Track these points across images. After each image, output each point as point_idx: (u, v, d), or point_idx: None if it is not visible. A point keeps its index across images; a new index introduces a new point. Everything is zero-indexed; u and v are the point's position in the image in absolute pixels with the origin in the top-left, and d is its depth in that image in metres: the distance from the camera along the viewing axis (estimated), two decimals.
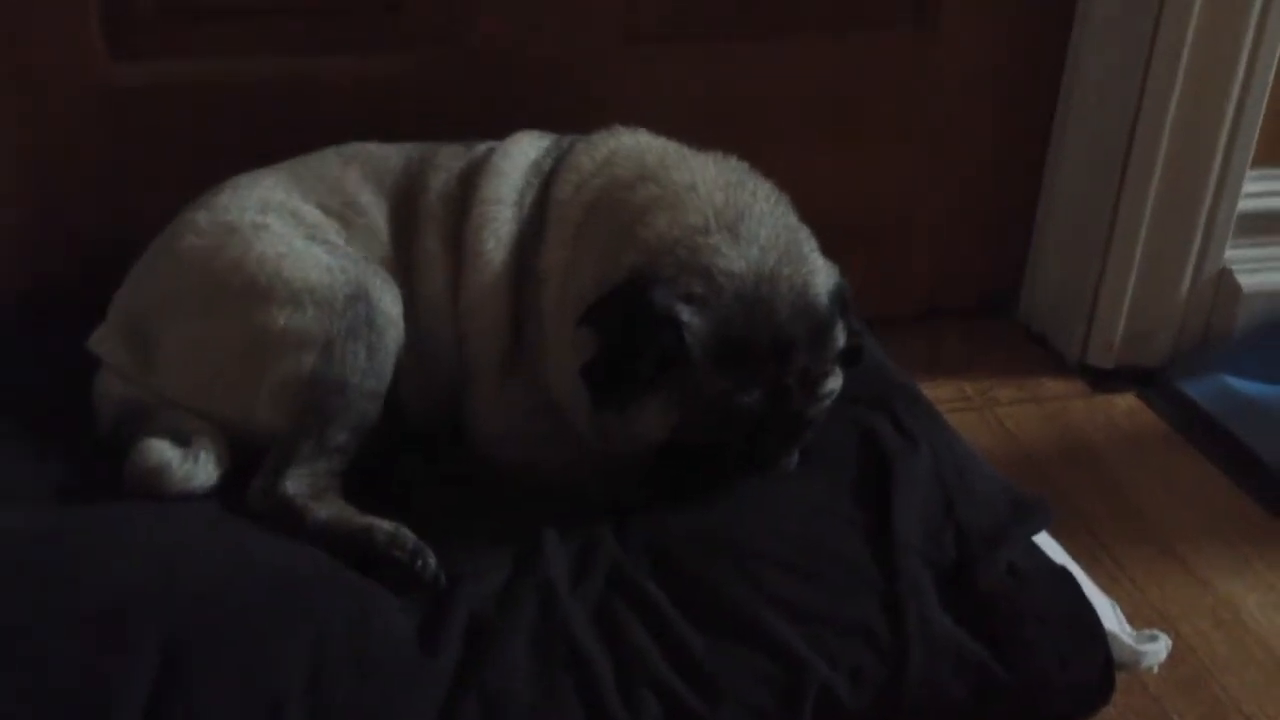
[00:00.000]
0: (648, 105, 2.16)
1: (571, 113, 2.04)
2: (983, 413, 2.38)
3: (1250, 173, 2.40)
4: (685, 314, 1.52)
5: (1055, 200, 2.55)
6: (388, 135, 1.93)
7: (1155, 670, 1.59)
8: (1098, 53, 2.39)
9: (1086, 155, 2.46)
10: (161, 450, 1.62)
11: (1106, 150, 2.40)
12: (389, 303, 1.69)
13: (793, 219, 1.68)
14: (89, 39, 1.99)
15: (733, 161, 1.75)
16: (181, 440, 1.64)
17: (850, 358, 1.68)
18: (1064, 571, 1.59)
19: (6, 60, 1.96)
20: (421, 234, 1.77)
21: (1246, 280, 2.48)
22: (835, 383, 1.65)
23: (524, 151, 1.82)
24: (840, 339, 1.63)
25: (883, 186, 2.49)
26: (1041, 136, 2.53)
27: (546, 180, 1.77)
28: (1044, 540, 1.66)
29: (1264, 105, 2.33)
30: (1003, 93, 2.47)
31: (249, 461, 1.65)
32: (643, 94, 2.23)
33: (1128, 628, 1.57)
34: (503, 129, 1.90)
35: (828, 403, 1.65)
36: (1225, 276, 2.48)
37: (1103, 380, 2.50)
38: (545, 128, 1.91)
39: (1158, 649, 1.55)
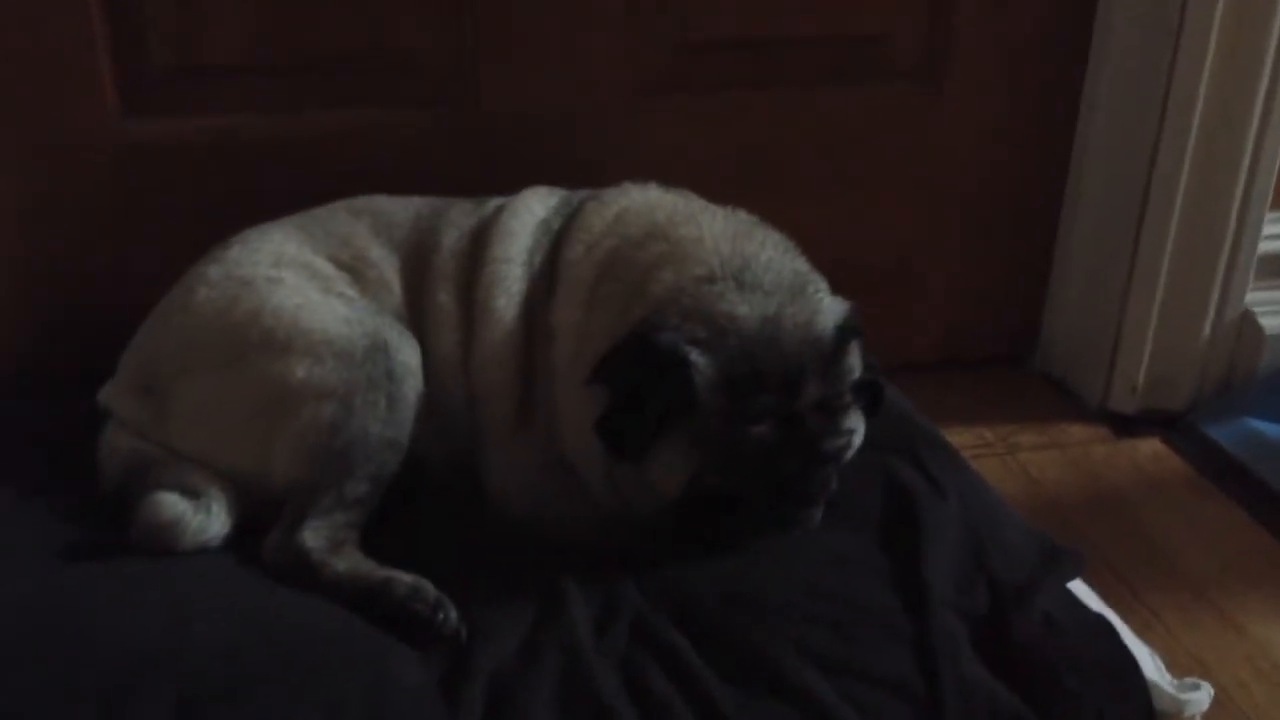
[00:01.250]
0: (656, 158, 2.17)
1: (580, 167, 2.05)
2: (1005, 459, 2.35)
3: (1270, 214, 2.39)
4: (692, 354, 1.51)
5: (1073, 246, 2.54)
6: (396, 190, 1.92)
7: (1198, 719, 1.55)
8: (1113, 98, 2.38)
9: (1104, 200, 2.45)
10: (174, 504, 1.59)
11: (1124, 195, 2.39)
12: (407, 354, 1.68)
13: (802, 264, 1.68)
14: (102, 95, 1.99)
15: (742, 214, 1.75)
16: (192, 493, 1.61)
17: (870, 400, 1.66)
18: (1102, 620, 1.56)
19: (19, 117, 1.96)
20: (434, 290, 1.77)
21: (1269, 323, 2.46)
22: (856, 422, 1.63)
23: (533, 210, 1.82)
24: (854, 369, 1.61)
25: (896, 236, 2.49)
26: (1057, 183, 2.52)
27: (557, 239, 1.77)
28: (1078, 588, 1.62)
29: None
30: (1016, 141, 2.46)
31: (261, 515, 1.62)
32: (651, 147, 2.23)
33: (1168, 676, 1.53)
34: (511, 184, 1.90)
35: (848, 441, 1.62)
36: (1248, 319, 2.46)
37: (1126, 425, 2.47)
38: (554, 182, 1.91)
39: (1200, 698, 1.51)
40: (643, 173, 1.88)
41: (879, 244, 2.46)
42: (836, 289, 1.69)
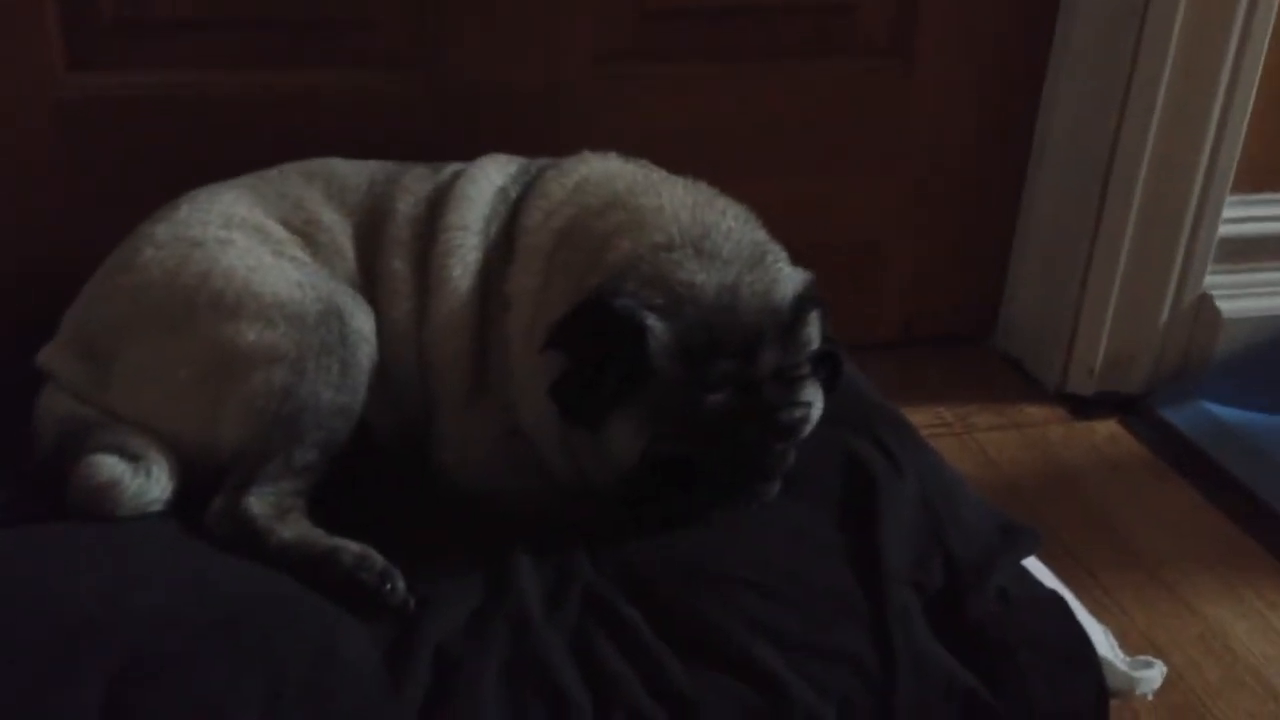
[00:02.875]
0: (619, 130, 2.14)
1: (541, 136, 2.02)
2: (962, 439, 2.35)
3: (1230, 198, 2.39)
4: (649, 320, 1.49)
5: (1033, 226, 2.54)
6: (353, 154, 1.88)
7: (1149, 697, 1.54)
8: (1076, 79, 2.38)
9: (1065, 181, 2.44)
10: (112, 466, 1.55)
11: (1085, 176, 2.39)
12: (361, 320, 1.64)
13: (761, 234, 1.66)
14: (48, 48, 1.93)
15: (703, 185, 1.73)
16: (131, 456, 1.57)
17: (829, 373, 1.64)
18: (1056, 597, 1.55)
19: None
20: (387, 257, 1.73)
21: (1226, 306, 2.47)
22: (814, 395, 1.61)
23: (491, 178, 1.79)
24: (812, 338, 1.59)
25: (857, 213, 2.47)
26: (1019, 163, 2.51)
27: (514, 208, 1.74)
28: (1034, 566, 1.61)
29: (1243, 131, 2.33)
30: (980, 119, 2.45)
31: (205, 481, 1.58)
32: (613, 118, 2.20)
33: (1121, 654, 1.52)
34: (469, 151, 1.86)
35: (805, 413, 1.60)
36: (1205, 302, 2.47)
37: (1083, 407, 2.47)
38: (514, 149, 1.88)
39: (1152, 675, 1.51)
40: (604, 142, 1.85)
41: (841, 221, 2.45)
42: (795, 263, 1.66)
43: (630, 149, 1.85)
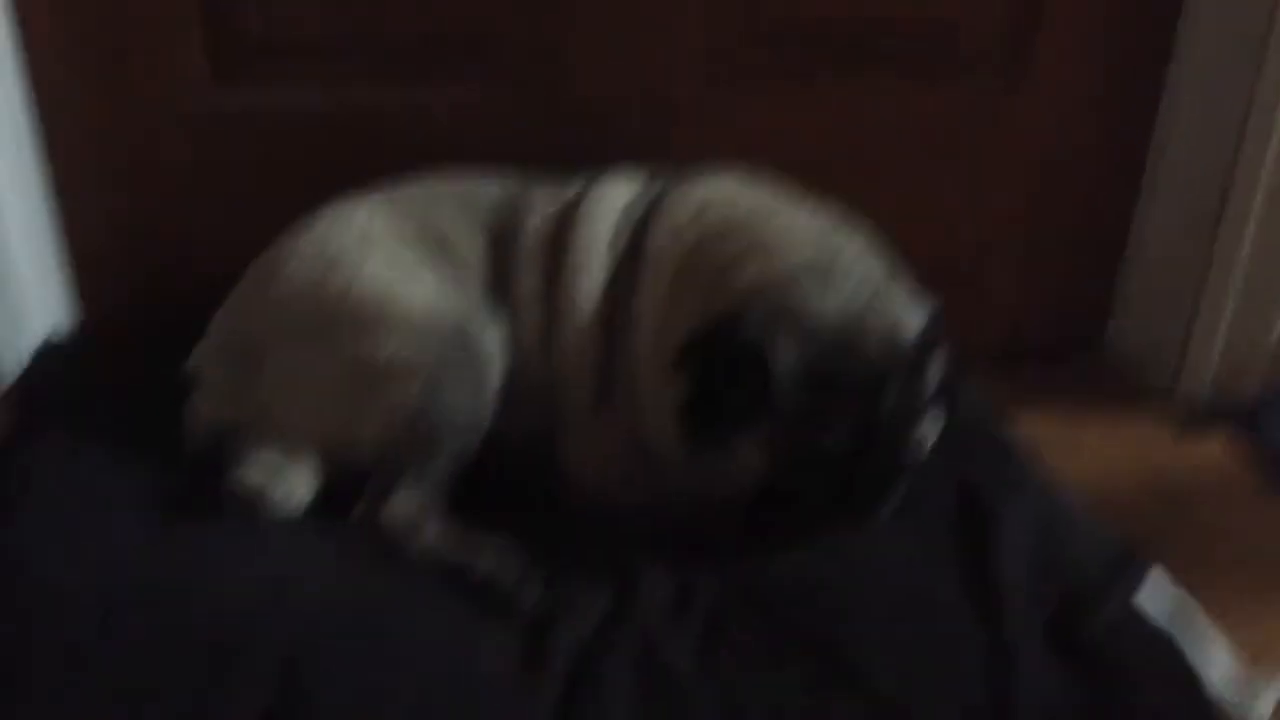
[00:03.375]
0: (736, 142, 2.16)
1: (657, 149, 2.06)
2: (1071, 452, 2.34)
3: None
4: (773, 353, 1.53)
5: (1147, 238, 2.52)
6: (475, 166, 1.95)
7: None
8: (1196, 90, 2.35)
9: (1182, 190, 2.42)
10: (259, 470, 1.65)
11: (1203, 187, 2.37)
12: (491, 335, 1.71)
13: (885, 263, 1.69)
14: (194, 63, 2.02)
15: (826, 210, 1.76)
16: (278, 460, 1.67)
17: (948, 404, 1.67)
18: (1167, 634, 1.57)
19: (112, 85, 2.00)
20: (518, 274, 1.79)
21: None
22: (932, 429, 1.64)
23: (616, 197, 1.83)
24: (933, 380, 1.62)
25: (968, 225, 2.47)
26: (1135, 171, 2.50)
27: (639, 227, 1.79)
28: (1152, 587, 1.63)
29: None
30: (1096, 132, 2.44)
31: (347, 483, 1.67)
32: (726, 132, 2.22)
33: (1235, 676, 1.54)
34: (591, 162, 1.92)
35: (923, 446, 1.64)
36: None
37: (1195, 419, 2.45)
38: (632, 162, 1.92)
39: (1268, 699, 1.52)
40: (717, 155, 1.90)
41: (952, 232, 2.45)
42: (910, 277, 1.70)
43: (743, 162, 1.89)
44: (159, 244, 2.13)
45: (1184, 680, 1.51)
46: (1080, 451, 2.34)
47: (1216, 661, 1.57)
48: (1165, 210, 2.47)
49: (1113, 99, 2.41)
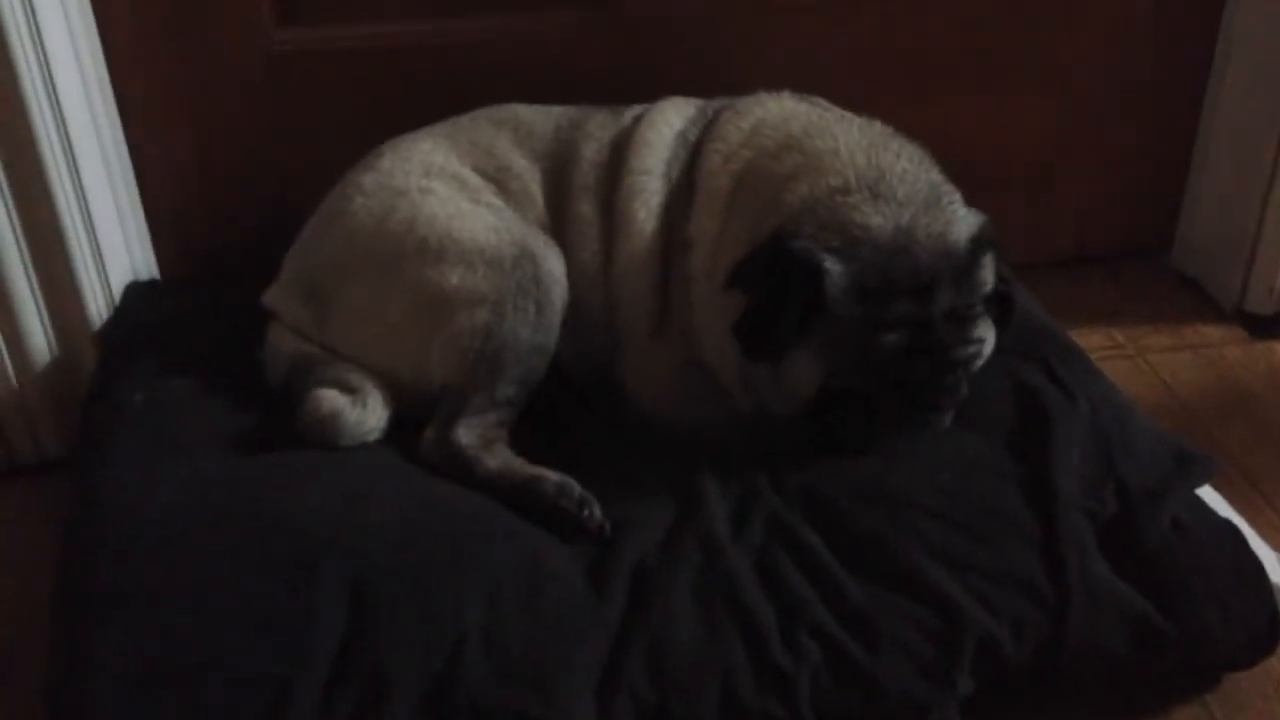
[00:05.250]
0: (793, 58, 2.18)
1: (712, 69, 2.06)
2: (1135, 361, 2.34)
3: None
4: (826, 262, 1.56)
5: (1213, 141, 2.48)
6: (538, 94, 1.98)
7: None
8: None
9: (1246, 94, 2.38)
10: (333, 399, 1.71)
11: (1268, 89, 2.32)
12: (553, 262, 1.75)
13: (935, 175, 1.70)
14: (257, 5, 2.06)
15: (877, 125, 1.78)
16: (350, 390, 1.72)
17: (1002, 312, 1.69)
18: (1229, 524, 1.59)
19: (179, 28, 2.05)
20: (575, 201, 1.83)
21: None
22: (986, 331, 1.66)
23: (670, 122, 1.86)
24: (987, 280, 1.64)
25: (1030, 131, 2.45)
26: (1199, 76, 2.45)
27: (694, 150, 1.82)
28: (1207, 493, 1.65)
29: None
30: (1158, 32, 2.39)
31: (416, 411, 1.72)
32: (788, 46, 2.22)
33: None
34: (645, 87, 1.94)
35: (978, 349, 1.66)
36: None
37: (1262, 327, 2.43)
38: (692, 84, 1.94)
39: None
40: (780, 75, 1.90)
41: (1015, 140, 2.43)
42: (973, 186, 1.71)
43: (803, 77, 1.90)
44: (231, 187, 2.19)
45: (1247, 568, 1.53)
46: (1147, 358, 2.34)
47: (1277, 558, 1.58)
48: (1229, 114, 2.42)
49: (1177, 4, 2.36)
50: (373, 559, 1.50)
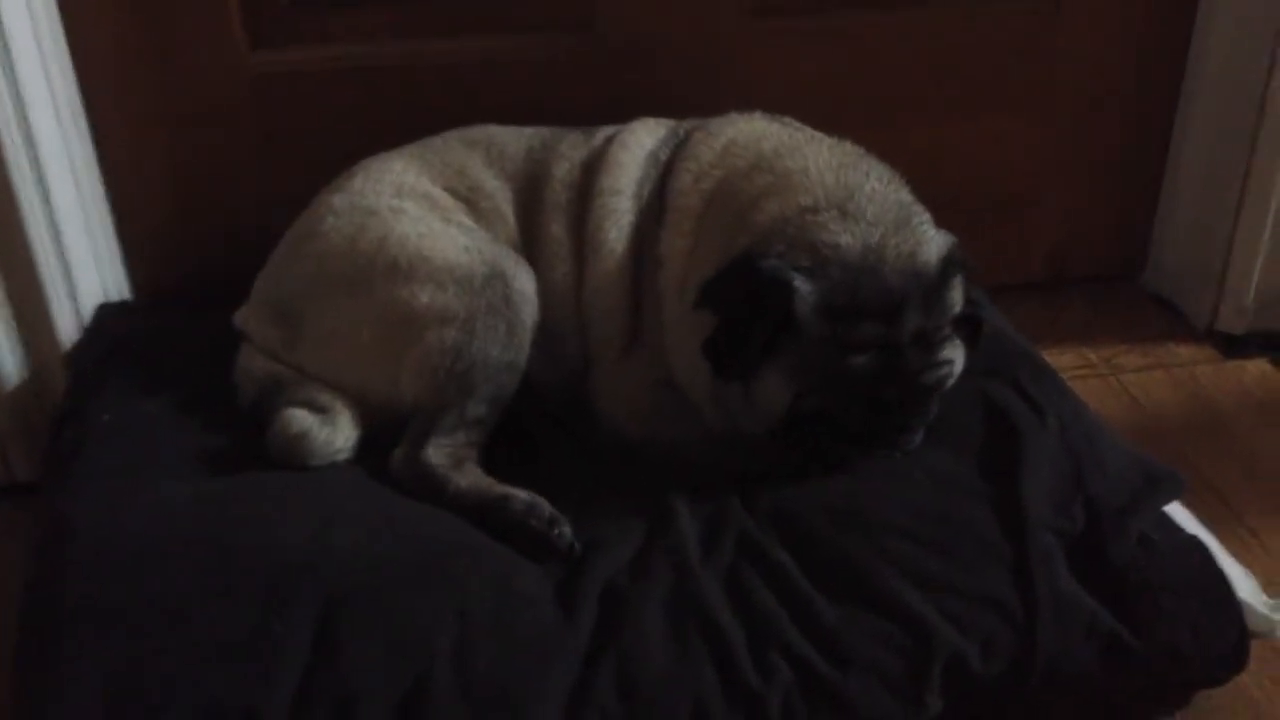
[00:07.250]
0: (771, 81, 2.19)
1: (695, 92, 2.07)
2: (1108, 380, 2.36)
3: None
4: (795, 280, 1.56)
5: (1184, 162, 2.50)
6: (514, 115, 1.98)
7: None
8: (1229, 15, 2.33)
9: (1217, 118, 2.40)
10: (302, 418, 1.70)
11: (1238, 112, 2.35)
12: (524, 282, 1.75)
13: (905, 195, 1.71)
14: (230, 29, 2.07)
15: (847, 145, 1.79)
16: (318, 409, 1.72)
17: (971, 332, 1.69)
18: (1196, 542, 1.59)
19: (154, 53, 2.05)
20: (547, 221, 1.83)
21: None
22: (955, 353, 1.67)
23: (642, 142, 1.87)
24: (955, 301, 1.64)
25: (1007, 153, 2.47)
26: (1170, 100, 2.47)
27: (665, 170, 1.82)
28: (1176, 510, 1.65)
29: None
30: (1131, 60, 2.42)
31: (386, 431, 1.72)
32: (767, 70, 2.24)
33: (1263, 597, 1.56)
34: (627, 110, 1.94)
35: (947, 372, 1.66)
36: None
37: (1233, 346, 2.45)
38: (670, 107, 1.95)
39: None
40: (759, 95, 1.92)
41: (990, 160, 2.45)
42: (947, 208, 1.72)
43: (782, 100, 1.91)
44: (204, 209, 2.18)
45: (1215, 585, 1.54)
46: (1120, 378, 2.35)
47: (1245, 575, 1.58)
48: (1201, 136, 2.45)
49: (1148, 22, 2.39)
50: (341, 582, 1.49)
